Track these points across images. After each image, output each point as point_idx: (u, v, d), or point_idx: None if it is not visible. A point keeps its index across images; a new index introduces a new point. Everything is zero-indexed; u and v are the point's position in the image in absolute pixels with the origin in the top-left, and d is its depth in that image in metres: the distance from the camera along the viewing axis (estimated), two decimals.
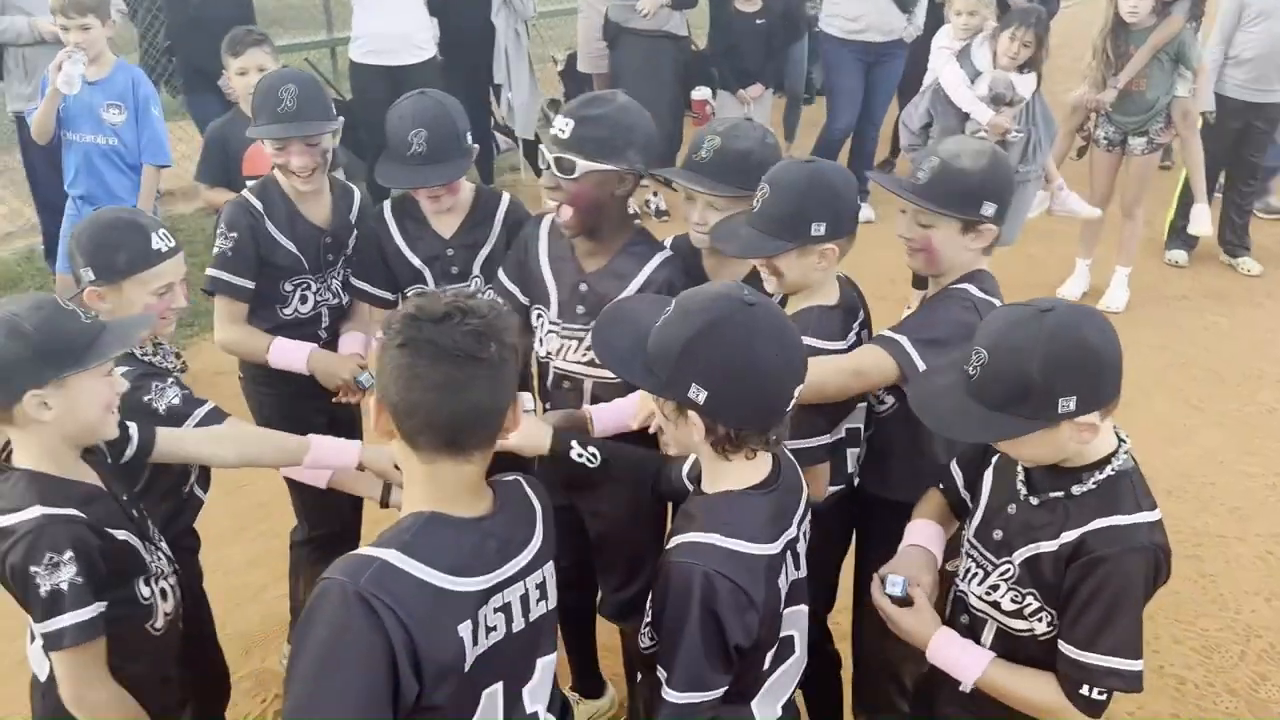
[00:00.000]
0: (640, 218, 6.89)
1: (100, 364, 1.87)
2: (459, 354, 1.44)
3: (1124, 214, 5.63)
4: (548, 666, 1.67)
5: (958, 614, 2.00)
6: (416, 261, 2.77)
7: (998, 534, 1.89)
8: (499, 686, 1.56)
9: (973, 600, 1.93)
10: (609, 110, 2.30)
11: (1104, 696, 1.77)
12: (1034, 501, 1.83)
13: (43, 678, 1.96)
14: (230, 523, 3.77)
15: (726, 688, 1.71)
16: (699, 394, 1.63)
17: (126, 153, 4.43)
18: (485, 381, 1.47)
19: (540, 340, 2.51)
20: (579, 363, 2.45)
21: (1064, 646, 1.78)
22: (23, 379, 1.80)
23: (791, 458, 1.89)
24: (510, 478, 1.67)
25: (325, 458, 2.35)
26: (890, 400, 2.39)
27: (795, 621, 1.85)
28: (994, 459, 1.97)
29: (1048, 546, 1.80)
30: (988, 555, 1.91)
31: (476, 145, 2.86)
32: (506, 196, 2.90)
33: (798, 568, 1.83)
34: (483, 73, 6.65)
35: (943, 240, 2.26)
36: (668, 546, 1.74)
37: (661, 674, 1.69)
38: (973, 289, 2.26)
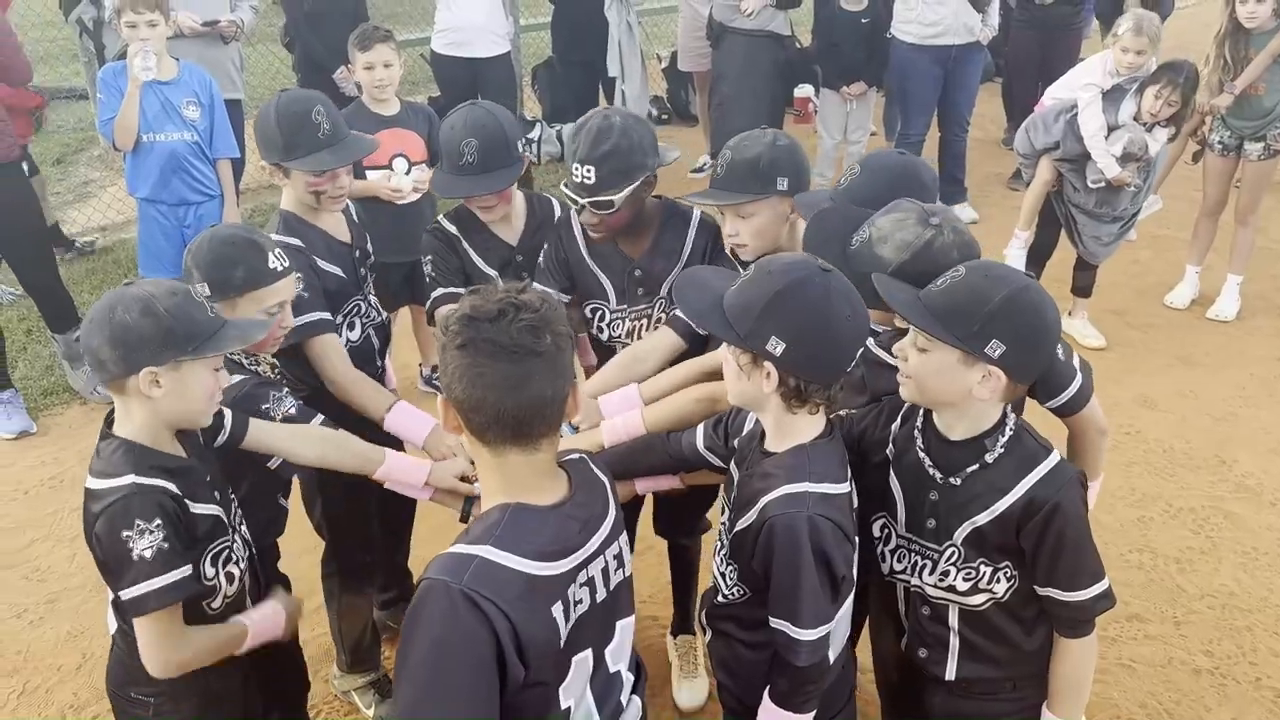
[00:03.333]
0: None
1: (215, 355, 1.99)
2: (516, 349, 1.52)
3: (1238, 221, 5.48)
4: (626, 628, 1.77)
5: (917, 607, 2.08)
6: (491, 271, 2.85)
7: (930, 523, 1.98)
8: (588, 653, 1.66)
9: (929, 591, 2.02)
10: (615, 139, 2.48)
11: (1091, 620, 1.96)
12: (955, 482, 1.93)
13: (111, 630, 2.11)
14: None
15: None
16: (777, 346, 1.79)
17: (206, 147, 4.53)
18: (544, 373, 1.54)
19: (604, 327, 2.72)
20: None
21: (1053, 592, 1.91)
22: (145, 355, 1.90)
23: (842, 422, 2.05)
24: (576, 456, 1.77)
25: (396, 474, 2.38)
26: None
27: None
28: (895, 460, 2.03)
29: (984, 517, 1.91)
30: (929, 545, 1.99)
31: (527, 153, 2.94)
32: (555, 202, 2.96)
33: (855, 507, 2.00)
34: (598, 67, 6.80)
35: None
36: (754, 508, 1.87)
37: (783, 624, 1.85)
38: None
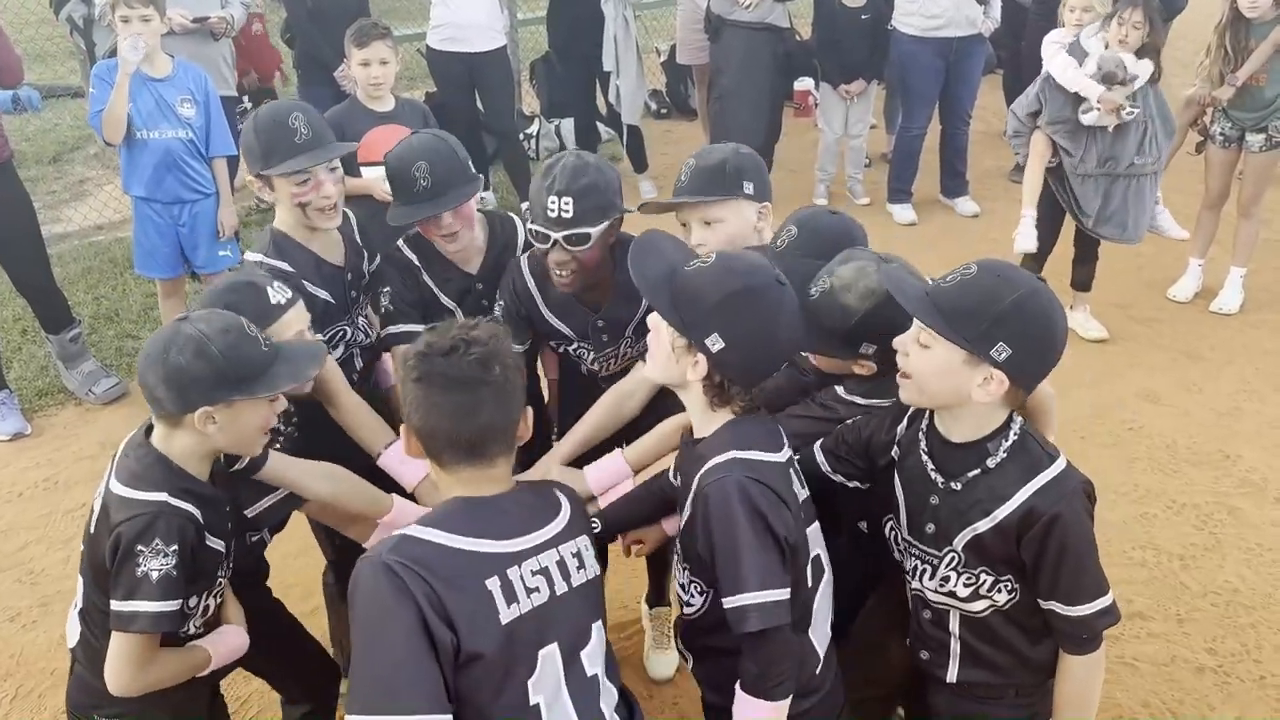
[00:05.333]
0: None
1: (270, 394, 1.99)
2: (467, 381, 1.67)
3: (1240, 213, 5.44)
4: (602, 631, 1.81)
5: (920, 610, 2.05)
6: (449, 303, 2.81)
7: (930, 528, 1.95)
8: (554, 648, 1.70)
9: (930, 595, 2.00)
10: (592, 175, 2.43)
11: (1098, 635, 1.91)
12: (956, 487, 1.90)
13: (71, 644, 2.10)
14: None
15: (789, 593, 1.81)
16: (716, 343, 1.80)
17: (201, 145, 4.50)
18: (493, 401, 1.70)
19: (578, 358, 2.76)
20: (624, 371, 2.71)
21: (1054, 606, 1.87)
22: (200, 397, 1.91)
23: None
24: (542, 481, 1.89)
25: (401, 521, 2.27)
26: None
27: (816, 540, 1.98)
28: (899, 462, 2.00)
29: (984, 524, 1.87)
30: (929, 550, 1.96)
31: (480, 176, 2.90)
32: (518, 220, 2.90)
33: (803, 486, 1.96)
34: (594, 62, 6.77)
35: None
36: (690, 493, 1.87)
37: (732, 597, 1.80)
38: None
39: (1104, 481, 2.17)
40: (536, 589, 1.69)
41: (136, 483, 1.93)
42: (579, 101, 7.15)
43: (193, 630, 2.08)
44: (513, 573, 1.66)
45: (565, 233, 2.41)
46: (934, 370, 1.83)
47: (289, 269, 2.59)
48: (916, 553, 1.99)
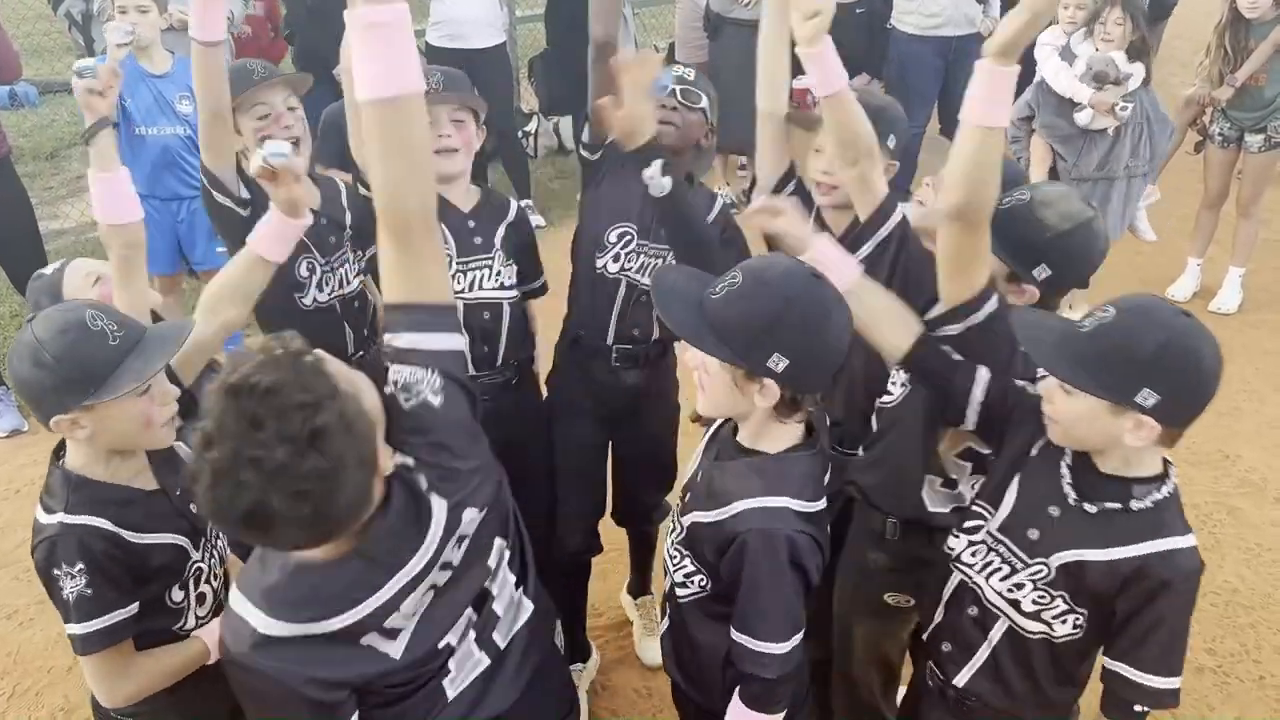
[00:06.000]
0: (737, 206, 6.90)
1: (117, 396, 1.81)
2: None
3: (1239, 213, 5.45)
4: (503, 547, 1.72)
5: (965, 604, 1.99)
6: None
7: (1033, 534, 1.87)
8: (461, 620, 1.64)
9: (988, 594, 1.93)
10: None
11: (1147, 710, 1.82)
12: (1089, 509, 1.81)
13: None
14: None
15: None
16: (779, 362, 1.73)
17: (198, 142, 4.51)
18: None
19: (618, 256, 2.70)
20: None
21: (1124, 669, 1.79)
22: (48, 406, 1.82)
23: (822, 414, 1.97)
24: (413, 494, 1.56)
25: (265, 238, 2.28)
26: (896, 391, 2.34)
27: None
28: (1028, 459, 1.92)
29: (1094, 555, 1.79)
30: (1017, 553, 1.88)
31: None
32: (515, 203, 2.90)
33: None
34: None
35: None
36: (725, 508, 1.81)
37: (745, 639, 1.81)
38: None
39: None
40: (418, 607, 1.57)
41: (44, 504, 1.90)
42: (577, 99, 7.12)
43: (194, 622, 2.05)
44: (392, 621, 1.53)
45: (685, 86, 2.60)
46: (1079, 417, 1.76)
47: (245, 196, 2.71)
48: (1002, 551, 1.91)
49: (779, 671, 1.81)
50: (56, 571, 1.83)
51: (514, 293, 2.78)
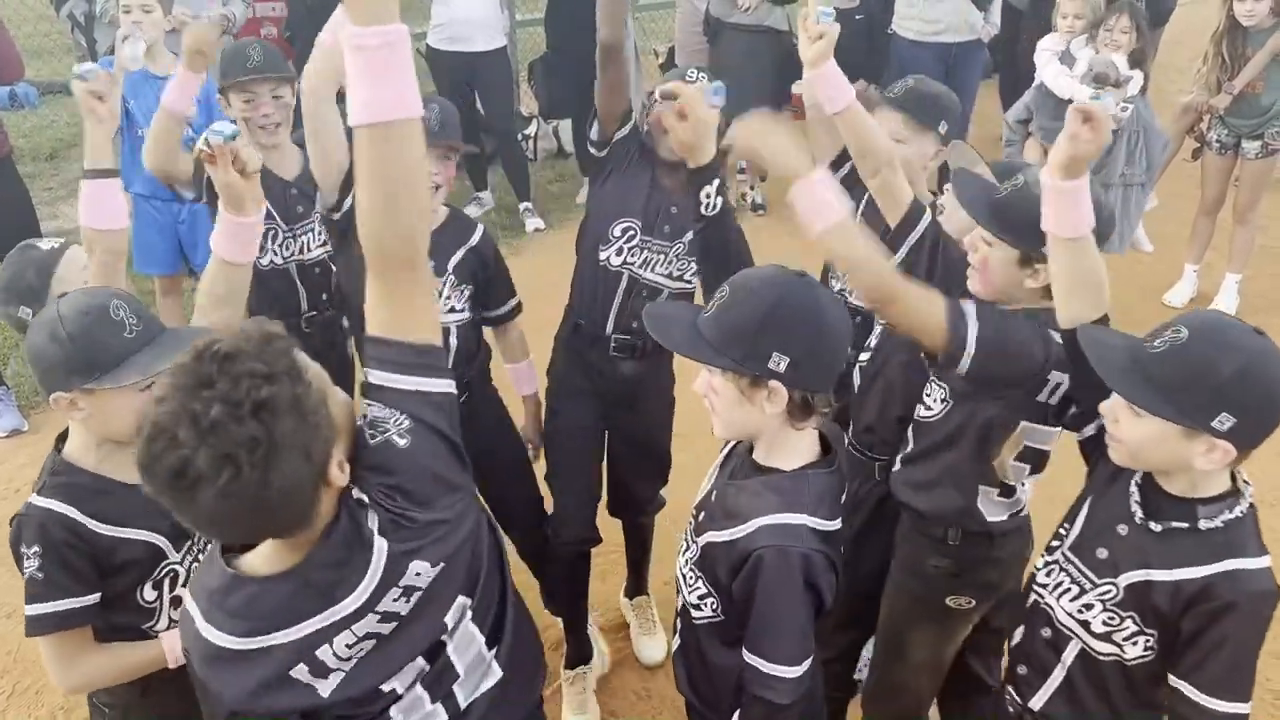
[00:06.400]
0: (735, 210, 6.91)
1: (121, 386, 1.83)
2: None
3: (1236, 219, 5.47)
4: (466, 608, 1.60)
5: (1038, 626, 1.95)
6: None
7: (1102, 553, 1.84)
8: (408, 669, 1.55)
9: (1059, 615, 1.90)
10: None
11: None
12: (1155, 528, 1.77)
13: None
14: None
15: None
16: (780, 362, 1.71)
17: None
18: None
19: (621, 250, 2.75)
20: (663, 275, 2.78)
21: (1186, 688, 1.74)
22: (52, 380, 1.86)
23: (839, 430, 1.95)
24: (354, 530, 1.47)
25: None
26: (938, 406, 2.34)
27: None
28: (1101, 478, 1.90)
29: (1162, 575, 1.74)
30: (1086, 573, 1.85)
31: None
32: (480, 229, 2.93)
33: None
34: (593, 63, 6.75)
35: (999, 265, 2.16)
36: (740, 526, 1.76)
37: (757, 660, 1.76)
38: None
39: None
40: (355, 652, 1.47)
41: (34, 487, 1.94)
42: (577, 102, 7.15)
43: (166, 623, 2.04)
44: (323, 656, 1.44)
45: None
46: (1148, 440, 1.72)
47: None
48: (1072, 571, 1.88)
49: (791, 696, 1.77)
50: (21, 550, 1.88)
51: (464, 315, 2.83)
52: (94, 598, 1.91)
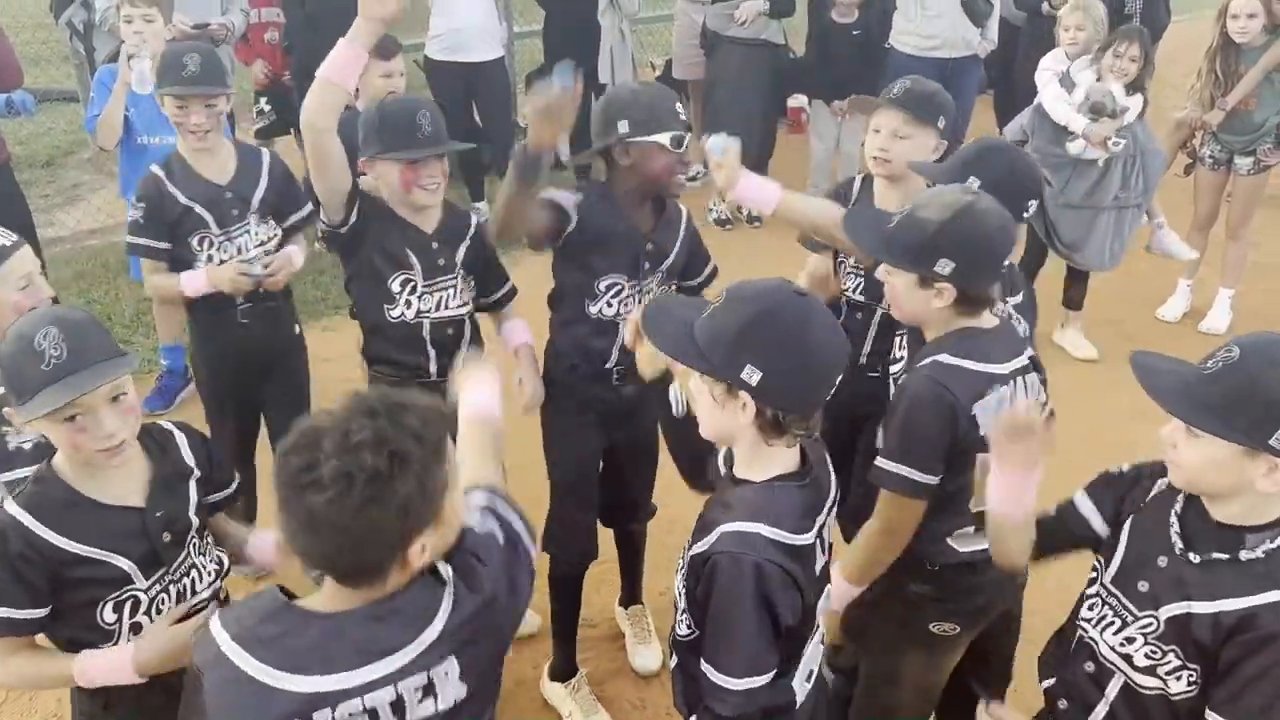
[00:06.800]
0: (731, 222, 6.94)
1: (32, 419, 1.82)
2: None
3: (1229, 235, 5.51)
4: None
5: (1081, 660, 1.92)
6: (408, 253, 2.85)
7: (1143, 585, 1.80)
8: None
9: (1102, 649, 1.86)
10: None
11: None
12: (1194, 559, 1.74)
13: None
14: None
15: (774, 675, 1.77)
16: (753, 375, 1.69)
17: None
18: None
19: (611, 303, 2.77)
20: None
21: (1217, 718, 1.71)
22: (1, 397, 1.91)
23: (822, 450, 1.91)
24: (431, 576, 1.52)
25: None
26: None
27: (821, 593, 1.92)
28: (1140, 510, 1.88)
29: (1202, 608, 1.71)
30: (1128, 606, 1.82)
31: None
32: (473, 216, 3.01)
33: (824, 552, 1.87)
34: (590, 75, 6.79)
35: (903, 290, 2.20)
36: (708, 536, 1.77)
37: (707, 668, 1.76)
38: (944, 358, 2.14)
39: None
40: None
41: (15, 491, 1.95)
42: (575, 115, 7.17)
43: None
44: (320, 715, 1.41)
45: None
46: (1208, 462, 1.69)
47: (162, 175, 3.19)
48: (1113, 604, 1.85)
49: (734, 710, 1.74)
50: None
51: (469, 307, 2.96)
52: (40, 612, 1.89)
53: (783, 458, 1.81)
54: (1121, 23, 5.45)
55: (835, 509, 1.93)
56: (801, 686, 1.89)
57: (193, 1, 5.22)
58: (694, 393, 1.84)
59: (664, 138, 2.62)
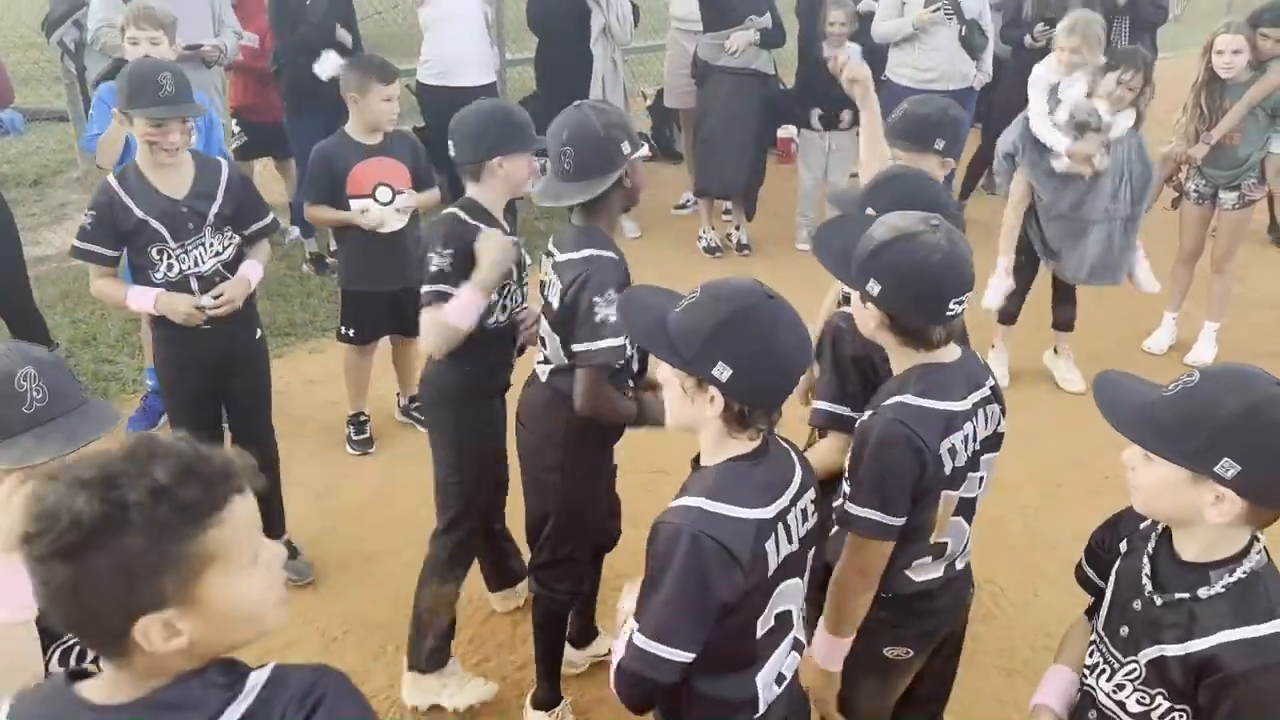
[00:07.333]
0: (721, 250, 6.96)
1: (13, 466, 1.74)
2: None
3: (1214, 269, 5.54)
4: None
5: (1085, 710, 1.90)
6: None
7: (1124, 630, 1.79)
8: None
9: (1100, 697, 1.85)
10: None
11: None
12: (1157, 601, 1.73)
13: None
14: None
15: (693, 656, 1.78)
16: (723, 371, 1.77)
17: None
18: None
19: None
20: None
21: None
22: None
23: (786, 444, 1.97)
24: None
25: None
26: None
27: (791, 596, 1.93)
28: (1124, 555, 1.87)
29: (1173, 650, 1.68)
30: (1114, 652, 1.81)
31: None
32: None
33: (790, 541, 1.87)
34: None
35: (857, 309, 2.18)
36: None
37: (633, 622, 1.82)
38: (908, 399, 2.10)
39: (1084, 529, 2.16)
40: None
41: None
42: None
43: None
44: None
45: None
46: (1159, 486, 1.67)
47: (117, 187, 3.23)
48: (1103, 650, 1.84)
49: (630, 664, 1.80)
50: None
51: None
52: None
53: (740, 446, 1.87)
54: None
55: (812, 495, 1.94)
56: (768, 688, 1.91)
57: (185, 23, 5.22)
58: (663, 382, 1.91)
59: (644, 149, 2.74)
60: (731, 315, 1.79)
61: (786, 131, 7.88)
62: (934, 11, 6.17)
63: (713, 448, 1.88)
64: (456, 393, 3.03)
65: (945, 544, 2.21)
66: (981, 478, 2.21)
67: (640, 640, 1.79)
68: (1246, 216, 5.40)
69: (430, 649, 3.17)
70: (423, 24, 6.26)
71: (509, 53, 8.07)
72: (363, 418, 4.68)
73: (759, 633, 1.87)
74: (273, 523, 3.74)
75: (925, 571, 2.24)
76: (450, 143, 2.95)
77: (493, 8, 6.76)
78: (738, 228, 7.05)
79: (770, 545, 1.82)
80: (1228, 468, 1.57)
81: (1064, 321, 5.32)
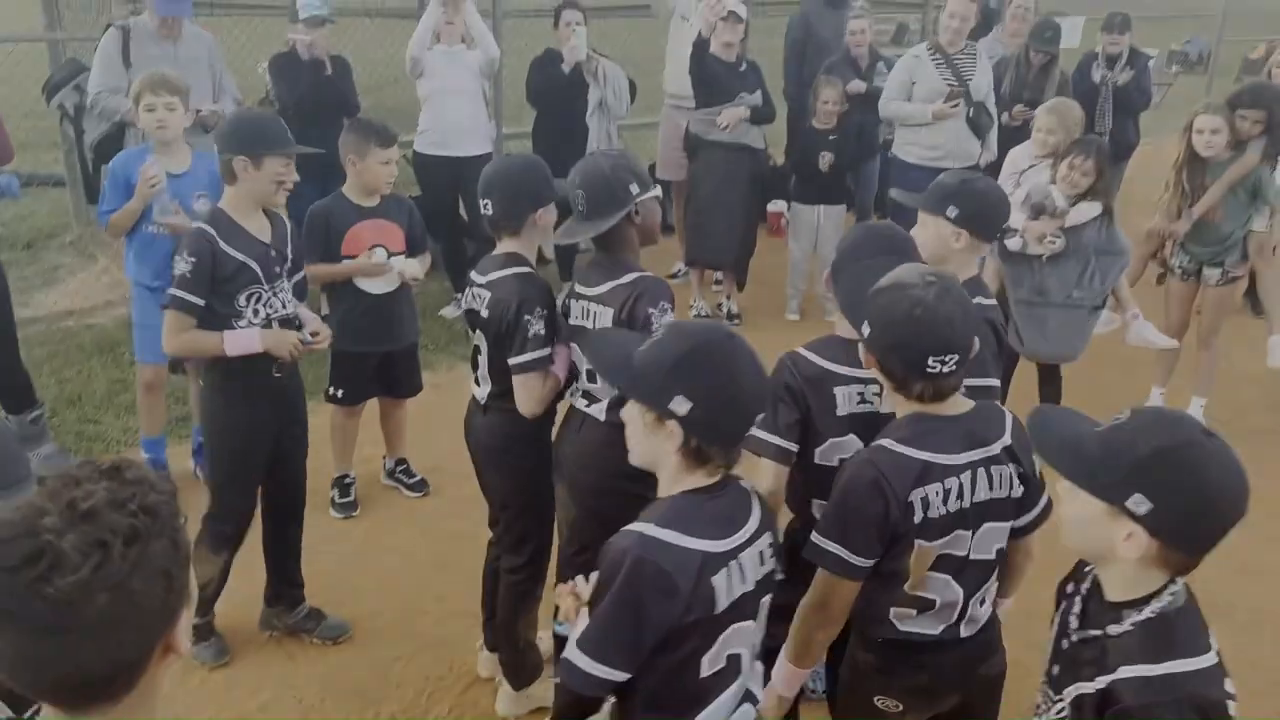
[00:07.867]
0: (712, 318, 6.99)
1: None
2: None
3: (1200, 344, 5.59)
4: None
5: None
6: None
7: (1055, 669, 1.83)
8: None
9: None
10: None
11: None
12: (1074, 638, 1.77)
13: None
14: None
15: (627, 677, 1.83)
16: (682, 405, 1.82)
17: None
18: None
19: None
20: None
21: None
22: None
23: (748, 487, 1.99)
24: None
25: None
26: None
27: (743, 639, 1.93)
28: (1065, 597, 1.89)
29: (1087, 687, 1.70)
30: (1050, 691, 1.83)
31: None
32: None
33: (744, 581, 1.88)
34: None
35: (863, 352, 2.24)
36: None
37: (571, 645, 1.88)
38: (888, 443, 2.13)
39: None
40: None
41: None
42: (561, 212, 7.26)
43: None
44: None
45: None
46: (1078, 518, 1.71)
47: (214, 234, 3.22)
48: (1043, 689, 1.86)
49: (568, 683, 1.86)
50: None
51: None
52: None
53: (696, 480, 1.90)
54: None
55: (770, 540, 1.95)
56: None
57: None
58: (625, 419, 1.97)
59: (655, 190, 2.84)
60: (692, 350, 1.85)
61: (776, 206, 8.00)
62: (953, 107, 6.30)
63: (670, 482, 1.92)
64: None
65: (932, 600, 2.18)
66: (984, 539, 2.18)
67: (573, 654, 1.84)
68: (1230, 293, 5.47)
69: (534, 664, 3.34)
70: (421, 96, 6.37)
71: (506, 127, 8.19)
72: (348, 480, 4.64)
73: (705, 671, 1.87)
74: (294, 581, 3.76)
75: (911, 623, 2.21)
76: (486, 203, 3.00)
77: (490, 83, 6.87)
78: (728, 297, 7.10)
79: (720, 580, 1.83)
80: (1139, 503, 1.60)
81: (1051, 398, 5.32)
